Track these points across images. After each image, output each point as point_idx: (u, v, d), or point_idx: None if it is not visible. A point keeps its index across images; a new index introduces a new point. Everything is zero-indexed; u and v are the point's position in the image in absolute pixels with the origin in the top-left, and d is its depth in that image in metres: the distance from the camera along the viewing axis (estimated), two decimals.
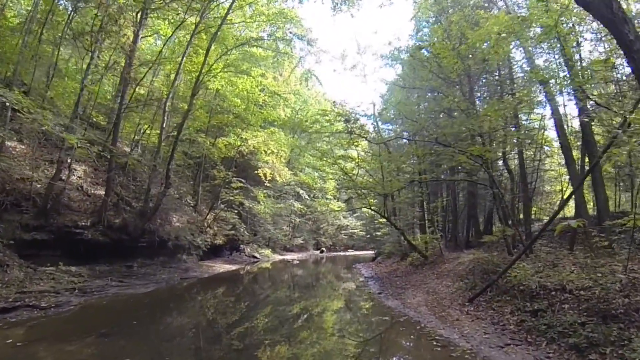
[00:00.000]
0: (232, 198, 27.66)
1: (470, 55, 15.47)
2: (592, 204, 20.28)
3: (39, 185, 15.54)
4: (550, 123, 19.99)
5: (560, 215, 24.29)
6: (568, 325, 7.43)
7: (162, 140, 19.51)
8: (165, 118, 19.47)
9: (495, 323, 8.93)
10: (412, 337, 8.94)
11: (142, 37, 19.53)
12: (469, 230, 30.26)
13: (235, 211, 30.12)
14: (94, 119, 23.83)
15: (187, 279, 18.59)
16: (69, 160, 16.05)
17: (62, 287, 13.07)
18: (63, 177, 16.92)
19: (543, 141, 20.68)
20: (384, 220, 39.17)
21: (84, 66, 22.17)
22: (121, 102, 17.47)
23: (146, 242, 18.98)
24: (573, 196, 13.92)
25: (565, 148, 16.74)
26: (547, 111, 18.87)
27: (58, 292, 12.57)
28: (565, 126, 19.35)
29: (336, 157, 18.98)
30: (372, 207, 20.45)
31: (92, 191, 17.97)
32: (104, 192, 17.81)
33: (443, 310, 10.60)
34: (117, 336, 8.37)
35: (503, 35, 13.28)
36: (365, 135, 18.55)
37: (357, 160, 19.37)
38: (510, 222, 16.01)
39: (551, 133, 22.34)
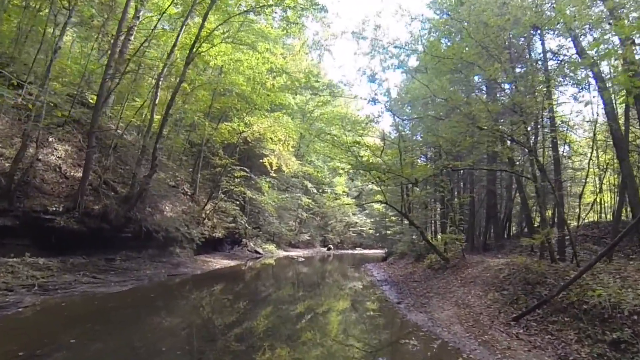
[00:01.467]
0: (233, 188, 25.43)
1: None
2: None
3: (7, 164, 13.46)
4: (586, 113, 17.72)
5: (590, 219, 22.13)
6: None
7: (154, 118, 17.28)
8: (158, 94, 17.26)
9: (562, 357, 6.61)
10: None
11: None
12: (487, 231, 27.96)
13: (237, 202, 27.95)
14: (90, 99, 21.94)
15: (175, 276, 16.47)
16: (39, 135, 13.84)
17: (19, 283, 10.98)
18: (39, 157, 14.96)
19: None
20: (395, 218, 37.48)
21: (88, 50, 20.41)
22: (106, 71, 15.29)
23: (131, 232, 16.87)
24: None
25: (618, 139, 14.28)
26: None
27: (11, 290, 10.48)
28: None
29: (349, 144, 16.58)
30: (389, 202, 18.09)
31: (72, 173, 15.84)
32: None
33: (484, 332, 8.27)
34: None
35: None
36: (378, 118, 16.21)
37: (372, 148, 17.03)
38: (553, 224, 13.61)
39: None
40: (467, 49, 11.63)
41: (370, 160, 17.48)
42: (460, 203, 18.86)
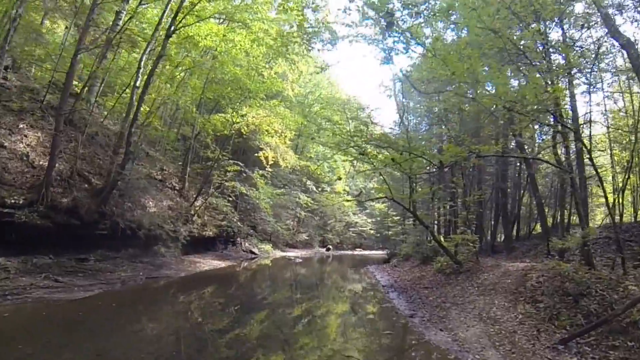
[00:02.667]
0: (226, 183, 23.60)
1: None
2: None
3: None
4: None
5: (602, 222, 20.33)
6: None
7: (134, 102, 15.46)
8: (139, 75, 15.47)
9: None
10: None
11: None
12: (495, 233, 26.23)
13: (230, 199, 26.14)
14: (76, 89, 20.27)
15: (156, 279, 14.66)
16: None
17: None
18: (5, 144, 13.20)
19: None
20: (398, 218, 35.65)
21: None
22: (77, 46, 13.51)
23: (107, 229, 15.05)
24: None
25: None
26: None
27: None
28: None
29: (351, 133, 14.71)
30: (395, 198, 16.25)
31: (41, 162, 14.00)
32: (59, 164, 14.04)
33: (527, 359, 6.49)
34: None
35: None
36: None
37: (378, 136, 15.17)
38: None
39: None
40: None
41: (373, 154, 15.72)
42: (473, 201, 17.03)
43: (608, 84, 19.25)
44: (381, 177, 18.51)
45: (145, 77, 15.32)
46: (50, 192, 12.87)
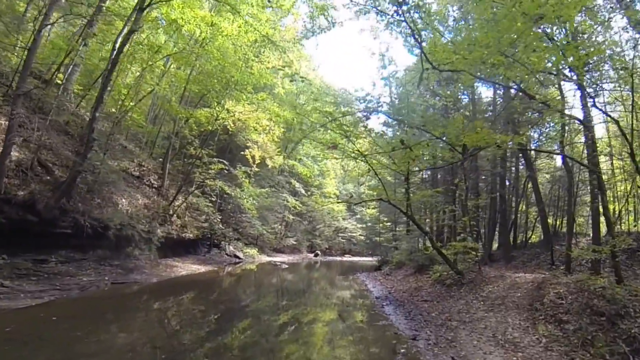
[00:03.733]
0: (208, 182, 22.02)
1: None
2: None
3: None
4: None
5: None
6: None
7: (108, 84, 13.94)
8: (114, 57, 13.95)
9: None
10: None
11: None
12: (491, 241, 25.00)
13: (214, 199, 24.57)
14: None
15: (123, 284, 13.07)
16: None
17: None
18: None
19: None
20: (389, 224, 34.27)
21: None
22: (43, 21, 11.99)
23: (70, 227, 13.43)
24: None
25: None
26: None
27: None
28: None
29: (343, 127, 13.30)
30: (392, 201, 14.87)
31: None
32: (18, 153, 12.48)
33: None
34: None
35: None
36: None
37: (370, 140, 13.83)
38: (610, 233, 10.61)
39: None
40: None
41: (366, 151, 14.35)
42: (474, 205, 15.74)
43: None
44: (374, 178, 17.19)
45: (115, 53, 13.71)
46: (3, 184, 11.29)
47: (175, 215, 20.52)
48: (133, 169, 19.96)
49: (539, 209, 19.51)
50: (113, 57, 13.41)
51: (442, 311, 10.63)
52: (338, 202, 31.52)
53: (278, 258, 33.27)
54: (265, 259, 31.43)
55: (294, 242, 40.21)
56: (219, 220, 24.67)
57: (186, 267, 19.07)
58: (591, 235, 21.48)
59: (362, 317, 11.09)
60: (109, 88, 14.56)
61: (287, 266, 27.28)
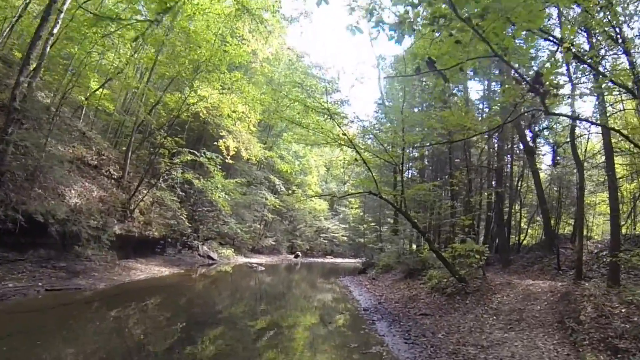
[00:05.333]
0: (175, 173, 19.68)
1: None
2: None
3: None
4: None
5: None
6: None
7: (37, 41, 11.57)
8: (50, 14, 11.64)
9: None
10: None
11: None
12: (485, 242, 23.30)
13: (183, 194, 22.23)
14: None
15: (61, 291, 10.78)
16: None
17: None
18: None
19: None
20: (374, 224, 32.26)
21: None
22: None
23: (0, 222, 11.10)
24: None
25: None
26: None
27: None
28: None
29: (328, 108, 11.29)
30: (383, 195, 12.88)
31: None
32: None
33: None
34: None
35: None
36: None
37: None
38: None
39: None
40: None
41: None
42: (477, 202, 13.90)
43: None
44: (361, 171, 15.21)
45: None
46: None
47: (137, 210, 18.17)
48: (90, 158, 17.56)
49: (541, 209, 17.80)
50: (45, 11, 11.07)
51: (450, 330, 8.59)
52: (321, 195, 29.30)
53: (255, 259, 31.05)
54: (241, 260, 29.23)
55: (274, 243, 37.99)
56: (187, 217, 22.29)
57: (148, 270, 16.78)
58: (595, 238, 20.21)
59: (349, 340, 8.85)
60: (45, 50, 12.14)
61: (263, 268, 25.04)
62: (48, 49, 12.48)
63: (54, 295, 10.30)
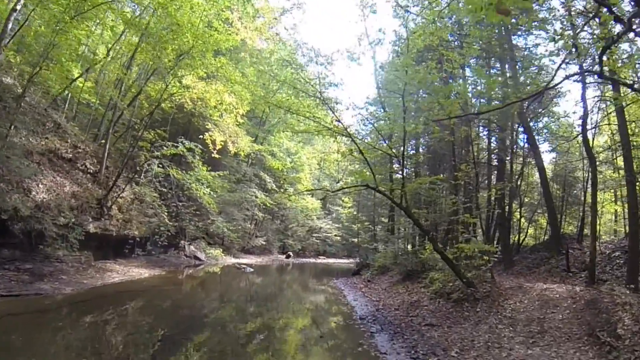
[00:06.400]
0: (156, 168, 18.36)
1: None
2: None
3: None
4: None
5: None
6: None
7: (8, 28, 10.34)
8: None
9: None
10: None
11: None
12: (486, 243, 22.31)
13: (165, 190, 20.92)
14: None
15: (18, 297, 9.47)
16: None
17: None
18: None
19: None
20: (368, 223, 31.07)
21: None
22: None
23: None
24: None
25: None
26: None
27: None
28: None
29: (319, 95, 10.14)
30: (381, 189, 11.73)
31: None
32: None
33: None
34: None
35: None
36: None
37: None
38: None
39: None
40: None
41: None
42: (485, 197, 12.82)
43: None
44: (357, 164, 14.06)
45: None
46: None
47: (115, 207, 16.87)
48: (65, 150, 16.25)
49: (548, 207, 16.80)
50: None
51: (463, 346, 7.37)
52: (314, 190, 28.05)
53: (245, 260, 29.77)
54: (230, 260, 27.93)
55: (264, 243, 36.76)
56: (171, 215, 21.04)
57: (126, 272, 15.49)
58: (603, 238, 19.25)
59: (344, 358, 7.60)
60: (7, 27, 10.87)
61: (252, 270, 23.72)
62: (10, 26, 11.17)
63: (7, 302, 8.99)
